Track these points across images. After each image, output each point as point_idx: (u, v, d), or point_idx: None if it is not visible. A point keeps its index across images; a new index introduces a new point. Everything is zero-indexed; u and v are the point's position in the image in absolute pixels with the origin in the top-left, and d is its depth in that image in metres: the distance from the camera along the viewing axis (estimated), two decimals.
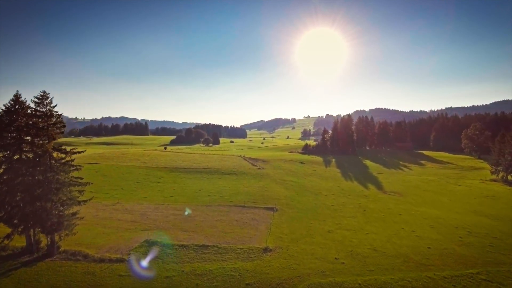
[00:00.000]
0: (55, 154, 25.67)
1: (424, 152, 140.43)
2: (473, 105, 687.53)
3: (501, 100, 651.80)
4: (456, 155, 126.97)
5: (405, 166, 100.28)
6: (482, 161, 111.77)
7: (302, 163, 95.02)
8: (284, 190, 57.38)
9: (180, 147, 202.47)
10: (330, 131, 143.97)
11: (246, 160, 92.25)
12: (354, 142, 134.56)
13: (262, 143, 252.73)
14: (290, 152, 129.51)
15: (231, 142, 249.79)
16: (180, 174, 69.57)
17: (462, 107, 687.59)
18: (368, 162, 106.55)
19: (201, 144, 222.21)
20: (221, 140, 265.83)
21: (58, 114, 25.71)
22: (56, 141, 25.60)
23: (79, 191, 27.20)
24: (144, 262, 26.57)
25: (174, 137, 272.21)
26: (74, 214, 27.30)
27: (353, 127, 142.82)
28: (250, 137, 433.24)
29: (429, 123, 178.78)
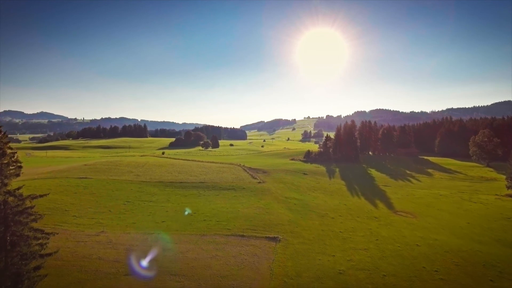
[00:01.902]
0: (10, 199, 20.98)
1: (429, 158, 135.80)
2: (474, 106, 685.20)
3: (503, 101, 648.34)
4: (463, 162, 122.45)
5: (413, 177, 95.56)
6: (491, 169, 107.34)
7: (304, 174, 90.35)
8: (287, 211, 52.69)
9: (178, 150, 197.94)
10: (332, 137, 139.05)
11: (245, 170, 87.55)
12: (358, 149, 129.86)
13: (262, 146, 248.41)
14: (292, 160, 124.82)
15: (231, 145, 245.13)
16: (175, 189, 64.88)
17: (463, 107, 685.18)
18: (373, 172, 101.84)
19: (201, 148, 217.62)
20: (221, 142, 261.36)
21: (12, 153, 21.08)
22: (8, 187, 20.84)
23: (41, 245, 22.52)
24: None
25: (173, 139, 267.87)
26: (36, 268, 22.59)
27: (356, 133, 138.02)
28: (250, 139, 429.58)
29: (433, 127, 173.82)
